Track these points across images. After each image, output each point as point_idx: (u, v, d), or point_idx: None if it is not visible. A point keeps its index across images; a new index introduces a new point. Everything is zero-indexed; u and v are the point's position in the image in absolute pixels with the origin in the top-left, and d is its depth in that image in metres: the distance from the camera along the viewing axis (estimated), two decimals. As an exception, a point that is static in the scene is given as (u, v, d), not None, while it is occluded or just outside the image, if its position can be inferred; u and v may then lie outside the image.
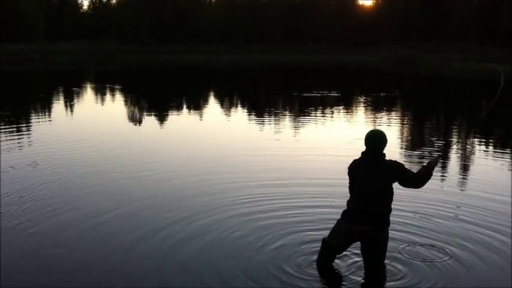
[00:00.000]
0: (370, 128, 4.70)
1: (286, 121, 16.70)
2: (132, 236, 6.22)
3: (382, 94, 27.03)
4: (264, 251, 5.86)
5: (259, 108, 20.87)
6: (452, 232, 6.40)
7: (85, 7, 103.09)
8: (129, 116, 18.88)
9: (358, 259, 5.42)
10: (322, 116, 18.26)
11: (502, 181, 9.01)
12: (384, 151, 4.99)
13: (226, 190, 8.14)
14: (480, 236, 6.28)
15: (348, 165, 5.12)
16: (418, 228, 6.52)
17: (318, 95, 25.61)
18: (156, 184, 8.65)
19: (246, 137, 13.91)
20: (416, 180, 4.94)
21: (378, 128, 4.64)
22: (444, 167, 10.14)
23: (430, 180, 4.97)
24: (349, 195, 5.14)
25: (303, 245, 5.92)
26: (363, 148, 5.01)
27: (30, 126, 15.39)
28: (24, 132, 14.06)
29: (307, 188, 8.22)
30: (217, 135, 14.04)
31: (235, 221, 6.76)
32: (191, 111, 20.44)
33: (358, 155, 5.11)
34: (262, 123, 16.52)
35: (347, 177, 5.12)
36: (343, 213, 5.11)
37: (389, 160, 4.98)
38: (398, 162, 5.01)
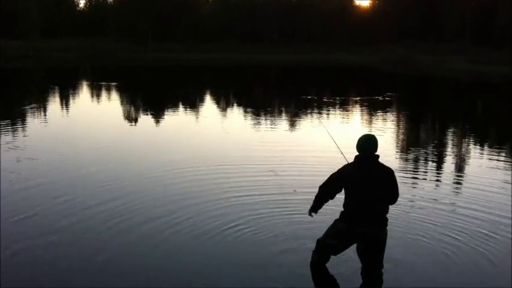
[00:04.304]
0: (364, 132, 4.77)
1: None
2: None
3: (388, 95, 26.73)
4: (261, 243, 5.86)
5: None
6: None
7: (81, 5, 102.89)
8: (124, 114, 18.85)
9: (350, 258, 5.39)
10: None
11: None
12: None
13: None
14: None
15: (336, 170, 5.12)
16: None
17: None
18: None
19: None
20: (395, 198, 5.04)
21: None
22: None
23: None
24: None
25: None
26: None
27: (25, 122, 15.30)
28: (19, 128, 13.98)
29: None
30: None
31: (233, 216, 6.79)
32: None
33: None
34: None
35: None
36: (342, 216, 5.07)
37: (386, 165, 5.04)
38: (394, 174, 5.04)
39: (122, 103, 22.56)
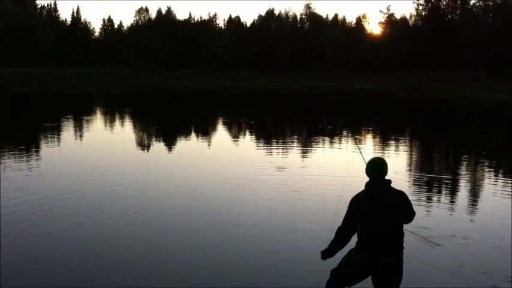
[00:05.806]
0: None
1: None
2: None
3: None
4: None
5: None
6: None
7: (97, 34, 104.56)
8: (137, 138, 18.99)
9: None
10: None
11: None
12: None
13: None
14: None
15: (350, 199, 4.89)
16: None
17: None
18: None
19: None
20: (412, 217, 4.97)
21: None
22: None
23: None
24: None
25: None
26: None
27: (39, 146, 15.49)
28: (32, 152, 14.12)
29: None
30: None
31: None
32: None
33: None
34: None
35: None
36: (360, 247, 4.89)
37: (397, 189, 4.90)
38: (407, 195, 4.93)
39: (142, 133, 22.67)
